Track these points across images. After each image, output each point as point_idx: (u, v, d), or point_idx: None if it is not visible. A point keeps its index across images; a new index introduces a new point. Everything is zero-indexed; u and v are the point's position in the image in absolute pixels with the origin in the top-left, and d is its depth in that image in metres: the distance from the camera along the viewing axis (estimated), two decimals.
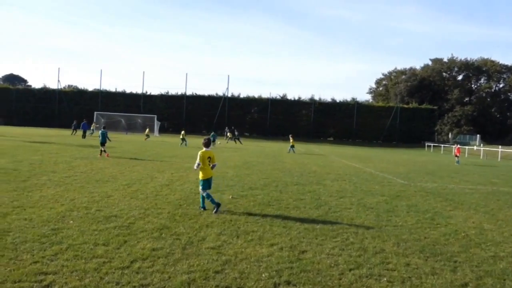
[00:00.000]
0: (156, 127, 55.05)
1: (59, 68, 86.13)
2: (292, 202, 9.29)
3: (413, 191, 12.32)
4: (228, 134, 45.15)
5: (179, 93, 67.62)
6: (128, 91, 69.20)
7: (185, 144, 32.50)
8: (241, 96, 68.33)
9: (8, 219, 6.41)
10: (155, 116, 56.80)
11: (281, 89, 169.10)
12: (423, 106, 68.03)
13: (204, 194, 7.94)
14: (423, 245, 6.25)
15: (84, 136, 35.15)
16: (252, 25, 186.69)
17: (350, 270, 4.96)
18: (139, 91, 68.12)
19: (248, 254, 5.32)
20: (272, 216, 7.68)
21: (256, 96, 68.10)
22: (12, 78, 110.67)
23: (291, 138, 32.34)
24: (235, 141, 42.12)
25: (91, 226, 6.22)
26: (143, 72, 71.69)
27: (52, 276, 4.21)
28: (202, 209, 7.95)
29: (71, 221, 6.48)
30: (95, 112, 57.22)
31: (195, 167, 8.07)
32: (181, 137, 33.93)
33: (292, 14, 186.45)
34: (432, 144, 54.95)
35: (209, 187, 8.07)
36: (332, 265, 5.12)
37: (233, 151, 27.26)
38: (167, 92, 68.42)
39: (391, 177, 15.96)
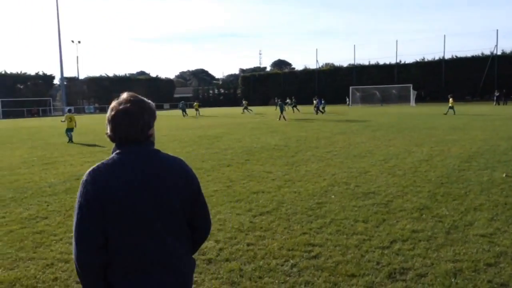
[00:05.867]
0: (412, 97, 52.72)
1: (316, 49, 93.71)
2: None
3: None
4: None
5: (436, 58, 62.58)
6: (381, 62, 68.66)
7: (249, 111, 41.36)
8: None
9: (281, 191, 7.40)
10: (411, 85, 54.36)
11: None
12: None
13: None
14: None
15: (317, 111, 36.28)
16: None
17: None
18: (393, 61, 66.59)
19: None
20: None
21: None
22: (280, 63, 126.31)
23: (450, 99, 29.60)
24: (293, 110, 39.00)
25: (351, 202, 6.50)
26: (396, 40, 69.44)
27: (318, 248, 4.61)
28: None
29: (333, 196, 6.93)
30: (350, 87, 59.22)
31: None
32: (244, 106, 43.26)
33: None
34: None
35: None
36: None
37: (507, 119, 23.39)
38: (423, 59, 64.37)
39: None
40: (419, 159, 10.48)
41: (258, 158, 11.34)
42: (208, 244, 4.81)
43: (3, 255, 4.63)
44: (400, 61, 66.36)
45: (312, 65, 76.22)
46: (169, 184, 1.81)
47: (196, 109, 40.80)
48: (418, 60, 64.80)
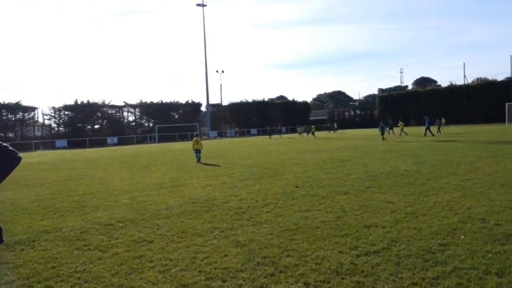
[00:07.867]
0: None
1: (464, 63, 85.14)
2: None
3: None
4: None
5: None
6: None
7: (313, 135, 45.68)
8: None
9: (398, 226, 6.39)
10: None
11: None
12: None
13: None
14: None
15: (426, 133, 33.18)
16: None
17: None
18: None
19: None
20: None
21: None
22: (423, 81, 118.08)
23: None
24: (389, 131, 36.19)
25: (485, 246, 5.23)
26: None
27: None
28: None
29: (462, 236, 5.71)
30: (506, 103, 51.90)
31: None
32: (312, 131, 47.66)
33: None
34: None
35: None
36: None
37: None
38: None
39: None
40: None
41: (381, 185, 10.28)
42: (295, 287, 4.26)
43: (98, 278, 4.78)
44: None
45: (459, 81, 69.33)
46: None
47: (313, 132, 47.47)
48: None
